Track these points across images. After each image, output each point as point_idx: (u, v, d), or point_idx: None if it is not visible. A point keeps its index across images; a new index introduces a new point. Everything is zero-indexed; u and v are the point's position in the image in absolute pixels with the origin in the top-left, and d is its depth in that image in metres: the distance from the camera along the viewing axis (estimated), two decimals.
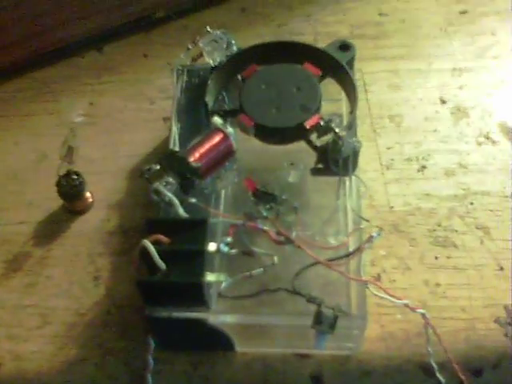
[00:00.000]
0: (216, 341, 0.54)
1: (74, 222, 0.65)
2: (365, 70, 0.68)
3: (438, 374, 0.54)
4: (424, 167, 0.67)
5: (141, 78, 0.76)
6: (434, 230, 0.62)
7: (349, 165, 0.54)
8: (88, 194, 0.64)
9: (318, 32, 0.77)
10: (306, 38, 0.76)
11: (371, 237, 0.50)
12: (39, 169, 0.69)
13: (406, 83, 0.73)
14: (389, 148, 0.68)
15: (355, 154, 0.54)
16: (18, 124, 0.73)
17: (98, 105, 0.74)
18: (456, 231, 0.62)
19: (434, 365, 0.54)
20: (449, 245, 0.61)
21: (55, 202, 0.65)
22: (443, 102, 0.71)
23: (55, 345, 0.57)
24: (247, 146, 0.57)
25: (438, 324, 0.54)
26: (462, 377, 0.54)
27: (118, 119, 0.72)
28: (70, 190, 0.62)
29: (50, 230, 0.64)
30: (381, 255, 0.61)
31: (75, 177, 0.62)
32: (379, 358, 0.56)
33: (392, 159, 0.67)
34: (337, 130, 0.53)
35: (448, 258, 0.61)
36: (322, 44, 0.66)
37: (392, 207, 0.64)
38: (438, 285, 0.59)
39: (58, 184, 0.62)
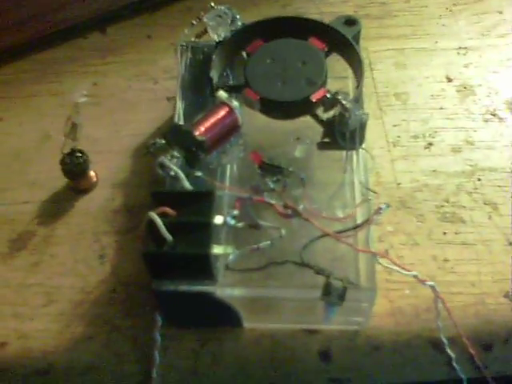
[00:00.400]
0: (223, 316, 0.54)
1: (78, 201, 0.64)
2: (370, 49, 0.68)
3: (447, 349, 0.54)
4: (431, 144, 0.66)
5: (144, 59, 0.75)
6: (442, 206, 0.62)
7: (356, 138, 0.53)
8: (92, 173, 0.64)
9: (323, 12, 0.77)
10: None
11: (379, 209, 0.50)
12: (43, 148, 0.68)
13: (412, 62, 0.73)
14: (395, 125, 0.68)
15: (362, 126, 0.53)
16: (22, 105, 0.72)
17: (101, 85, 0.73)
18: (464, 207, 0.62)
19: (444, 340, 0.54)
20: (457, 220, 0.61)
21: (59, 181, 0.65)
22: (449, 80, 0.71)
23: (61, 323, 0.57)
24: (253, 121, 0.56)
25: (447, 299, 0.54)
26: (472, 351, 0.54)
27: (122, 99, 0.72)
28: (74, 167, 0.61)
29: (55, 209, 0.64)
30: (388, 231, 0.60)
31: (79, 155, 0.61)
32: (388, 334, 0.55)
33: (398, 136, 0.67)
34: (344, 103, 0.52)
35: (456, 233, 0.60)
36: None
37: (399, 184, 0.63)
38: (446, 260, 0.59)
39: (62, 162, 0.62)
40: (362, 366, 0.54)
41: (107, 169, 0.66)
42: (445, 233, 0.60)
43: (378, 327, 0.56)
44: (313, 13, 0.77)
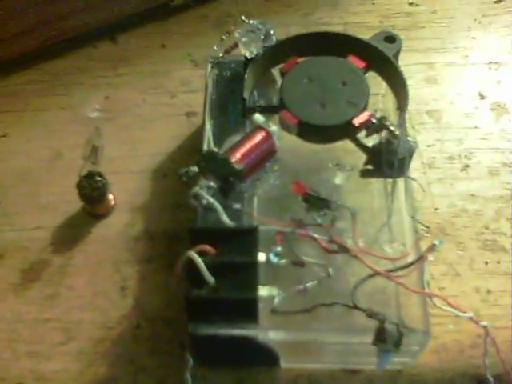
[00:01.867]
0: (261, 357, 0.50)
1: (95, 227, 0.60)
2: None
3: None
4: (467, 166, 0.63)
5: (159, 70, 0.71)
6: (482, 233, 0.59)
7: (405, 166, 0.49)
8: (110, 196, 0.60)
9: (347, 22, 0.73)
10: (334, 28, 0.72)
11: (434, 245, 0.46)
12: (54, 168, 0.64)
13: (443, 77, 0.69)
14: (429, 145, 0.64)
15: (411, 154, 0.50)
16: (30, 119, 0.67)
17: (114, 99, 0.69)
18: (504, 234, 0.59)
19: (490, 377, 0.51)
20: (498, 249, 0.58)
21: (73, 205, 0.60)
22: (482, 97, 0.68)
23: (81, 363, 0.53)
24: (288, 144, 0.52)
25: (492, 334, 0.51)
26: None
27: (137, 114, 0.67)
28: (93, 192, 0.57)
29: (70, 235, 0.59)
30: (428, 261, 0.57)
31: (98, 178, 0.57)
32: (432, 372, 0.52)
33: (433, 157, 0.63)
34: (392, 129, 0.49)
35: (498, 262, 0.57)
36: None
37: (437, 209, 0.60)
38: (489, 292, 0.56)
39: (80, 186, 0.57)
40: None
41: (125, 191, 0.61)
42: (486, 262, 0.57)
43: (421, 365, 0.53)
44: (336, 23, 0.73)
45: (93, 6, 0.70)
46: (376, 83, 0.56)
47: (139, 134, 0.66)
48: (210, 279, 0.43)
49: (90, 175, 0.57)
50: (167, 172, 0.62)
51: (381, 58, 0.55)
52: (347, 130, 0.51)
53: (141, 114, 0.67)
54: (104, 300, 0.56)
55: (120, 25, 0.73)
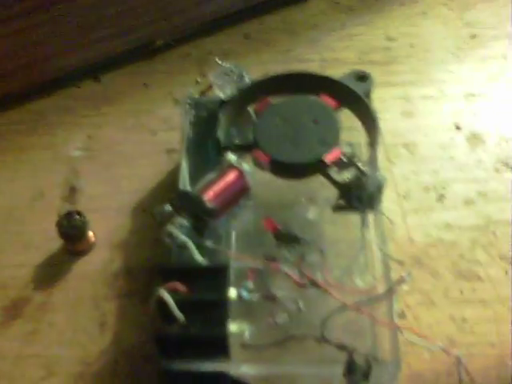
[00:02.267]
0: None
1: (75, 264, 0.61)
2: (375, 97, 0.66)
3: None
4: (443, 196, 0.64)
5: (141, 109, 0.72)
6: (457, 263, 0.60)
7: (374, 201, 0.51)
8: (90, 233, 0.61)
9: (325, 58, 0.75)
10: (313, 65, 0.74)
11: (402, 278, 0.47)
12: (36, 207, 0.65)
13: (419, 110, 0.71)
14: (405, 177, 0.65)
15: (380, 189, 0.51)
16: (13, 159, 0.69)
17: (96, 138, 0.70)
18: (480, 263, 0.60)
19: None
20: (473, 277, 0.59)
21: (55, 243, 0.61)
22: (458, 128, 0.69)
23: None
24: (261, 180, 0.53)
25: (467, 361, 0.51)
26: None
27: (119, 152, 0.69)
28: (72, 230, 0.58)
29: (51, 272, 0.60)
30: (404, 290, 0.57)
31: (77, 217, 0.58)
32: None
33: (409, 189, 0.64)
34: (360, 167, 0.50)
35: (473, 290, 0.58)
36: (330, 71, 0.64)
37: (412, 239, 0.61)
38: (464, 320, 0.56)
39: (59, 224, 0.58)
40: None
41: (105, 228, 0.62)
42: (461, 291, 0.58)
43: None
44: (315, 59, 0.75)
45: (76, 47, 0.72)
46: (351, 117, 0.58)
47: (120, 172, 0.67)
48: (180, 316, 0.44)
49: (69, 214, 0.58)
50: (147, 208, 0.64)
51: (352, 96, 0.56)
52: (319, 167, 0.52)
53: (123, 151, 0.69)
54: (83, 336, 0.56)
55: (103, 64, 0.75)
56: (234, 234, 0.55)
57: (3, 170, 0.68)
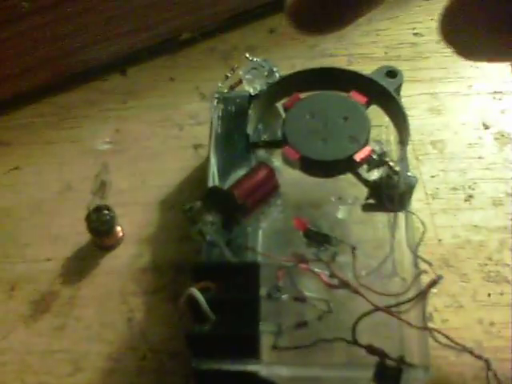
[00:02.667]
0: None
1: (103, 259, 0.61)
2: (402, 94, 0.65)
3: None
4: (471, 196, 0.63)
5: (168, 103, 0.72)
6: (486, 265, 0.59)
7: (405, 201, 0.50)
8: (118, 229, 0.61)
9: (352, 54, 0.74)
10: (340, 60, 0.73)
11: (435, 281, 0.47)
12: (64, 200, 0.65)
13: (447, 107, 0.70)
14: (433, 176, 0.65)
15: (411, 189, 0.50)
16: (40, 152, 0.69)
17: (123, 131, 0.70)
18: (508, 265, 0.59)
19: None
20: (501, 280, 0.58)
21: (83, 237, 0.62)
22: (486, 127, 0.68)
23: None
24: (290, 178, 0.53)
25: (495, 366, 0.51)
26: None
27: (146, 147, 0.69)
28: (101, 225, 0.58)
29: (79, 267, 0.61)
30: (431, 293, 0.57)
31: (106, 211, 0.58)
32: None
33: (437, 188, 0.64)
34: (392, 165, 0.50)
35: (501, 294, 0.58)
36: (357, 66, 0.63)
37: (440, 240, 0.61)
38: (492, 324, 0.56)
39: (88, 219, 0.58)
40: None
41: (133, 223, 0.63)
42: (489, 294, 0.58)
43: None
44: (341, 54, 0.74)
45: (103, 41, 0.72)
46: (380, 114, 0.57)
47: (148, 166, 0.67)
48: (211, 315, 0.44)
49: (98, 209, 0.58)
50: (174, 204, 0.64)
51: (382, 92, 0.56)
52: (348, 165, 0.52)
53: (149, 146, 0.69)
54: (111, 331, 0.57)
55: (129, 58, 0.75)
56: (261, 233, 0.55)
57: (30, 164, 0.68)
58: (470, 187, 0.64)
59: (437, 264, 0.59)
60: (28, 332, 0.57)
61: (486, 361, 0.49)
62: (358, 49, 0.75)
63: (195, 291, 0.44)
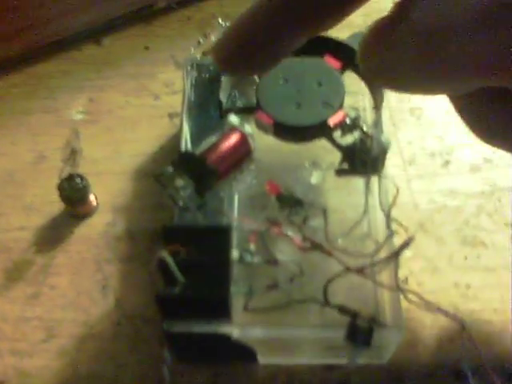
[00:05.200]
0: (237, 353, 0.50)
1: (77, 227, 0.60)
2: None
3: (471, 381, 0.51)
4: (448, 162, 0.63)
5: (143, 72, 0.71)
6: (462, 229, 0.59)
7: (378, 165, 0.50)
8: (92, 197, 0.60)
9: None
10: None
11: (406, 242, 0.46)
12: (38, 170, 0.64)
13: None
14: (410, 142, 0.65)
15: (384, 153, 0.50)
16: (14, 123, 0.68)
17: (98, 101, 0.69)
18: (485, 229, 0.59)
19: (468, 371, 0.51)
20: (478, 244, 0.58)
21: (56, 206, 0.61)
22: None
23: (63, 360, 0.53)
24: (264, 143, 0.53)
25: (471, 328, 0.51)
26: (498, 382, 0.51)
27: (121, 116, 0.68)
28: (74, 194, 0.58)
29: (53, 235, 0.60)
30: (407, 256, 0.57)
31: (79, 180, 0.58)
32: (410, 366, 0.53)
33: (414, 154, 0.64)
34: (365, 129, 0.49)
35: (478, 257, 0.58)
36: (335, 33, 0.62)
37: (417, 205, 0.60)
38: (468, 286, 0.56)
39: (60, 188, 0.58)
40: None
41: (107, 192, 0.62)
42: (466, 257, 0.58)
43: (399, 359, 0.53)
44: None
45: (77, 10, 0.71)
46: (356, 81, 0.57)
47: (122, 136, 0.66)
48: (181, 278, 0.44)
49: (71, 177, 0.58)
50: (149, 172, 0.63)
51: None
52: (322, 130, 0.52)
53: (124, 115, 0.68)
54: (86, 299, 0.56)
55: (104, 28, 0.74)
56: (236, 198, 0.54)
57: (4, 134, 0.67)
58: (447, 153, 0.64)
59: (413, 228, 0.59)
60: (1, 300, 0.57)
61: (461, 322, 0.49)
62: None
63: (165, 253, 0.44)
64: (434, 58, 0.20)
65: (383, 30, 0.22)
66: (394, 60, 0.22)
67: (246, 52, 0.26)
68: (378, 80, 0.24)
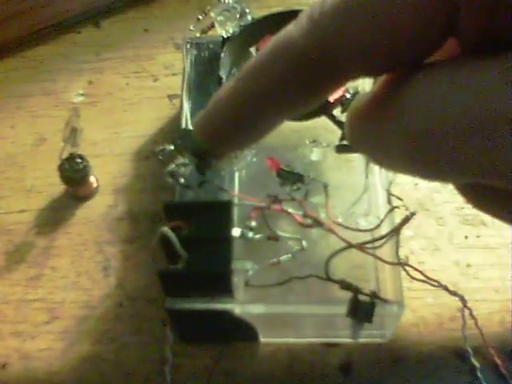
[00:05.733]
0: (239, 331, 0.51)
1: (78, 209, 0.60)
2: None
3: (472, 359, 0.51)
4: None
5: (142, 54, 0.71)
6: (462, 208, 0.59)
7: None
8: (92, 179, 0.60)
9: None
10: None
11: (407, 218, 0.46)
12: (38, 153, 0.64)
13: None
14: None
15: None
16: (14, 106, 0.68)
17: (97, 83, 0.69)
18: None
19: (469, 349, 0.51)
20: (478, 223, 0.58)
21: (57, 188, 0.61)
22: None
23: (65, 341, 0.54)
24: None
25: (471, 306, 0.52)
26: (498, 361, 0.51)
27: (120, 98, 0.68)
28: (74, 174, 0.58)
29: (54, 217, 0.60)
30: (408, 236, 0.57)
31: (79, 160, 0.58)
32: (411, 345, 0.53)
33: None
34: None
35: (478, 236, 0.58)
36: None
37: (417, 184, 0.60)
38: (469, 265, 0.56)
39: (61, 168, 0.58)
40: (385, 379, 0.52)
41: (108, 173, 0.62)
42: (466, 236, 0.58)
43: (400, 338, 0.53)
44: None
45: None
46: None
47: (122, 117, 0.66)
48: (183, 253, 0.44)
49: (71, 158, 0.57)
50: (149, 154, 0.63)
51: None
52: (323, 107, 0.51)
53: (124, 97, 0.68)
54: (87, 280, 0.56)
55: (103, 10, 0.73)
56: (236, 176, 0.54)
57: (4, 117, 0.67)
58: None
59: (413, 208, 0.58)
60: (3, 282, 0.57)
61: (462, 297, 0.50)
62: None
63: (167, 230, 0.44)
64: (423, 158, 0.19)
65: (370, 117, 0.21)
66: (380, 150, 0.21)
67: (229, 135, 0.25)
68: (366, 157, 0.24)
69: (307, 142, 0.54)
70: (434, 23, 0.18)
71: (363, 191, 0.51)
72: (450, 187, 0.60)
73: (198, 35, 0.58)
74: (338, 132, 0.51)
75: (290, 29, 0.21)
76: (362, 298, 0.44)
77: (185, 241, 0.44)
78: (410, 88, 0.19)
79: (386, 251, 0.48)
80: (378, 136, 0.21)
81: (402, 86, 0.20)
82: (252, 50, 0.57)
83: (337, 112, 0.52)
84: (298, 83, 0.21)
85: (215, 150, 0.27)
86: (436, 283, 0.47)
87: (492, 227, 0.58)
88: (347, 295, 0.45)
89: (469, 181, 0.19)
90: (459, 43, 0.19)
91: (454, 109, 0.17)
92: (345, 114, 0.51)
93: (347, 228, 0.46)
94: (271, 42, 0.22)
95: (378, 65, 0.20)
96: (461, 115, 0.17)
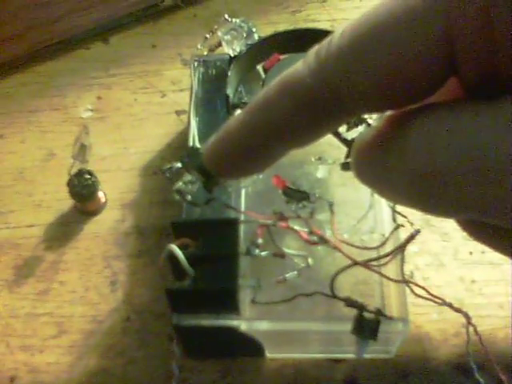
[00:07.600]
0: (245, 347, 0.51)
1: (86, 224, 0.61)
2: None
3: (477, 375, 0.52)
4: None
5: (150, 70, 0.72)
6: None
7: None
8: (101, 194, 0.61)
9: (334, 19, 0.74)
10: (322, 25, 0.73)
11: (412, 235, 0.47)
12: (47, 168, 0.65)
13: None
14: None
15: None
16: (24, 121, 0.69)
17: (106, 99, 0.70)
18: None
19: (473, 365, 0.52)
20: None
21: (66, 203, 0.62)
22: None
23: (72, 355, 0.54)
24: None
25: (476, 322, 0.52)
26: (503, 377, 0.51)
27: (128, 114, 0.69)
28: (83, 190, 0.58)
29: (62, 232, 0.61)
30: (413, 252, 0.58)
31: (88, 176, 0.58)
32: (416, 360, 0.53)
33: None
34: (370, 122, 0.50)
35: (482, 252, 0.58)
36: None
37: None
38: (473, 281, 0.57)
39: (70, 184, 0.58)
40: None
41: (116, 188, 0.63)
42: (471, 252, 0.58)
43: (405, 354, 0.53)
44: (324, 20, 0.74)
45: (85, 9, 0.71)
46: None
47: (130, 133, 0.67)
48: (190, 271, 0.44)
49: (80, 173, 0.58)
50: (157, 169, 0.64)
51: None
52: None
53: (132, 113, 0.69)
54: (95, 294, 0.57)
55: (112, 26, 0.74)
56: (243, 193, 0.55)
57: (13, 131, 0.68)
58: None
59: (418, 223, 0.58)
60: (12, 296, 0.57)
61: (466, 314, 0.50)
62: (341, 14, 0.75)
63: (174, 247, 0.45)
64: (426, 195, 0.20)
65: (374, 154, 0.22)
66: (385, 185, 0.22)
67: (236, 164, 0.27)
68: (372, 190, 0.25)
69: (313, 160, 0.55)
70: (435, 67, 0.19)
71: (368, 208, 0.51)
72: None
73: (205, 53, 0.58)
74: (343, 149, 0.52)
75: (298, 67, 0.22)
76: (367, 315, 0.45)
77: (192, 258, 0.44)
78: (413, 127, 0.20)
79: (391, 268, 0.48)
80: (383, 172, 0.21)
81: (406, 124, 0.20)
82: (259, 67, 0.58)
83: (342, 129, 0.52)
84: (304, 119, 0.22)
85: (223, 176, 0.28)
86: (440, 301, 0.47)
87: None
88: (353, 312, 0.45)
89: (469, 218, 0.20)
90: (461, 83, 0.20)
91: (454, 152, 0.18)
92: (349, 132, 0.52)
93: (352, 245, 0.47)
94: (280, 78, 0.23)
95: (382, 105, 0.21)
96: (461, 158, 0.18)
